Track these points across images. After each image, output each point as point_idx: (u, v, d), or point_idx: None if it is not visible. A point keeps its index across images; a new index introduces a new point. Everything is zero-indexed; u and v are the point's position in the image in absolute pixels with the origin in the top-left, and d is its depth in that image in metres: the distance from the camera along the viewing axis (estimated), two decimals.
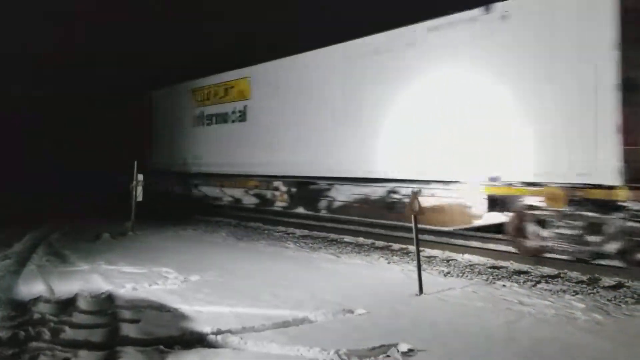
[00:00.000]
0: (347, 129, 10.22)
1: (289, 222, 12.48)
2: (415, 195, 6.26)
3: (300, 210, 12.10)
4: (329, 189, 11.05)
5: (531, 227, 7.68)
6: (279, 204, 12.42)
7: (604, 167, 6.72)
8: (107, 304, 5.55)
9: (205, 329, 4.73)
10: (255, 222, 12.95)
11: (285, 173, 11.69)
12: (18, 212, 14.85)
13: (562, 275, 7.14)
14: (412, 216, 6.24)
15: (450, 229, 9.13)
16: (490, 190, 8.00)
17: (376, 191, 9.86)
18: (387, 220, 10.49)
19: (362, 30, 10.04)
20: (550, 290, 6.34)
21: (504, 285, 6.62)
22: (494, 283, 6.79)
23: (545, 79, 7.30)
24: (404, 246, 9.32)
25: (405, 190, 9.17)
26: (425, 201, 7.79)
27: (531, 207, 7.66)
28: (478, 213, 8.30)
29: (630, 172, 6.54)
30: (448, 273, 7.39)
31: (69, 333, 4.54)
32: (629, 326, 4.97)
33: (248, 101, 12.70)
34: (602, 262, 7.24)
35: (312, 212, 11.85)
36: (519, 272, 7.37)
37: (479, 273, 7.36)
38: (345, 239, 10.35)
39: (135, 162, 11.45)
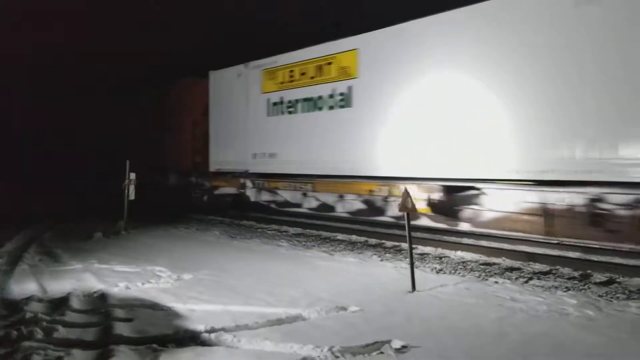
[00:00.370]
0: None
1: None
2: (407, 192, 6.27)
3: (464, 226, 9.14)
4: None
5: None
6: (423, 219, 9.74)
7: None
8: (100, 303, 5.53)
9: (199, 327, 4.73)
10: (249, 220, 12.94)
11: (423, 175, 9.14)
12: (10, 211, 14.73)
13: (554, 272, 7.20)
14: (405, 214, 6.25)
15: None
16: None
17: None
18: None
19: None
20: (542, 287, 6.40)
21: (496, 282, 6.67)
22: (486, 280, 6.84)
23: None
24: (396, 243, 9.36)
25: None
26: None
27: None
28: None
29: None
30: (441, 270, 7.43)
31: (61, 332, 4.52)
32: (620, 322, 5.02)
33: (354, 80, 10.32)
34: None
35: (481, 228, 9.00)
36: (511, 269, 7.42)
37: (472, 270, 7.41)
38: (338, 237, 10.34)
39: (127, 161, 11.35)
